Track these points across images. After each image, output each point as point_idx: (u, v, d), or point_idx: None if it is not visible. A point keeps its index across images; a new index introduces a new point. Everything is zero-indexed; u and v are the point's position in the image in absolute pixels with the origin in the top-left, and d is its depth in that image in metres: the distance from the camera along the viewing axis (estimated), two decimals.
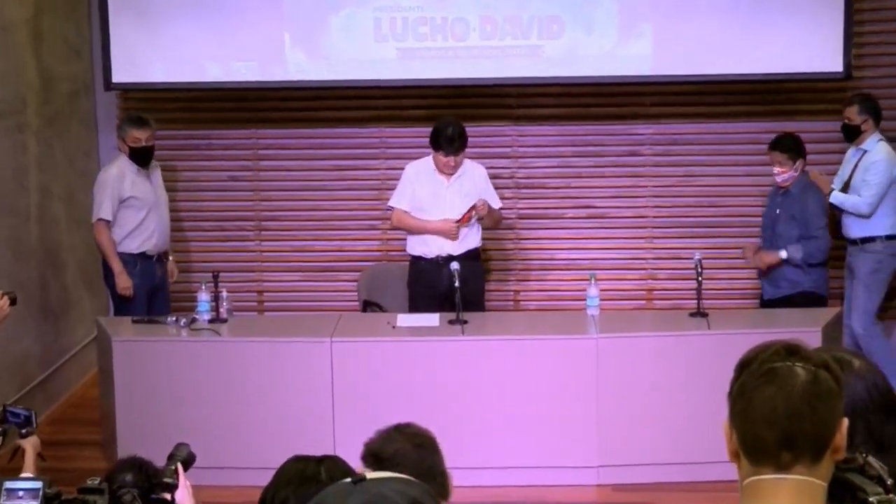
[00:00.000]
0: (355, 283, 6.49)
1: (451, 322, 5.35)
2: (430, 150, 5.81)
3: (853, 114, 5.99)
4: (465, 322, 5.30)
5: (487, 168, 6.02)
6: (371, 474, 1.32)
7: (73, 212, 6.51)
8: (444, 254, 5.75)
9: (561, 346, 5.23)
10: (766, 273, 5.88)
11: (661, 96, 6.78)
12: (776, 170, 5.76)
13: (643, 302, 6.90)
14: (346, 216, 6.98)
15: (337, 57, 6.48)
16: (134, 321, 5.56)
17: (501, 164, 6.81)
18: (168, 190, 6.35)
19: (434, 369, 5.20)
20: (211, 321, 5.44)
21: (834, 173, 6.13)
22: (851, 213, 5.93)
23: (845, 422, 1.59)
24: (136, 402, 5.24)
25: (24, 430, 3.63)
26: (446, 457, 2.41)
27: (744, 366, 1.62)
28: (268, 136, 6.97)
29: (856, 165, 5.99)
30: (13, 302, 4.14)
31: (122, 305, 6.01)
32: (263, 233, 7.03)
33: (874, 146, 5.98)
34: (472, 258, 5.82)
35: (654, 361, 5.17)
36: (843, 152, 6.17)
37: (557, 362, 5.18)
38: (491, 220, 5.91)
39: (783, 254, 5.72)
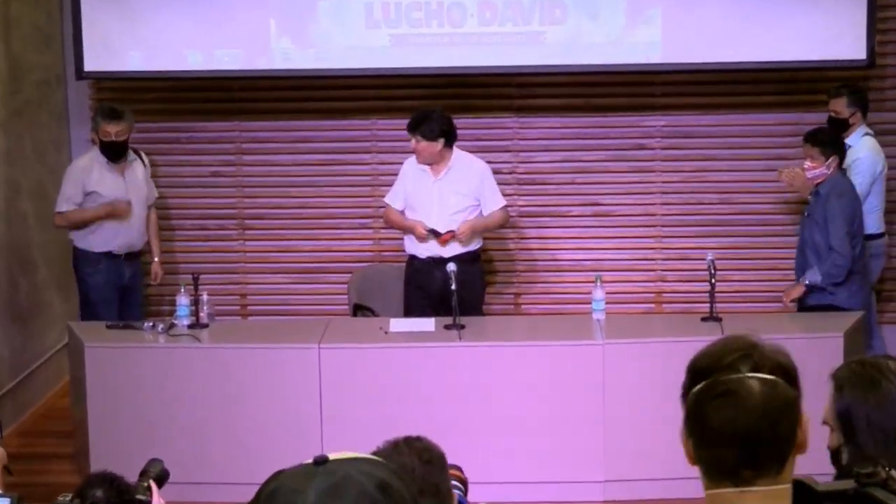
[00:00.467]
0: (345, 286, 6.48)
1: (447, 327, 5.34)
2: None
3: (841, 106, 5.99)
4: (463, 327, 5.29)
5: (486, 163, 5.99)
6: (334, 455, 1.29)
7: (43, 208, 6.50)
8: (435, 254, 5.73)
9: (564, 352, 5.22)
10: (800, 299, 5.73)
11: (671, 86, 6.78)
12: (806, 164, 5.65)
13: (652, 305, 6.90)
14: (335, 214, 6.98)
15: (325, 44, 6.47)
16: (108, 326, 5.55)
17: (501, 158, 6.80)
18: None
19: (429, 378, 5.19)
20: (190, 326, 5.43)
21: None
22: None
23: (806, 420, 1.67)
24: (110, 412, 5.23)
25: None
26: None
27: (697, 375, 1.68)
28: (252, 129, 6.96)
29: None
30: None
31: (91, 307, 6.01)
32: (247, 232, 7.02)
33: (858, 141, 5.99)
34: (469, 260, 5.80)
35: (664, 369, 5.15)
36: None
37: (561, 370, 5.18)
38: (484, 230, 5.85)
39: (805, 282, 5.57)
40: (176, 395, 5.21)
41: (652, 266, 6.90)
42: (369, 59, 6.46)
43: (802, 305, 5.64)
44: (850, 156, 5.89)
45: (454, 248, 5.74)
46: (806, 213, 5.74)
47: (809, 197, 5.69)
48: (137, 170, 6.18)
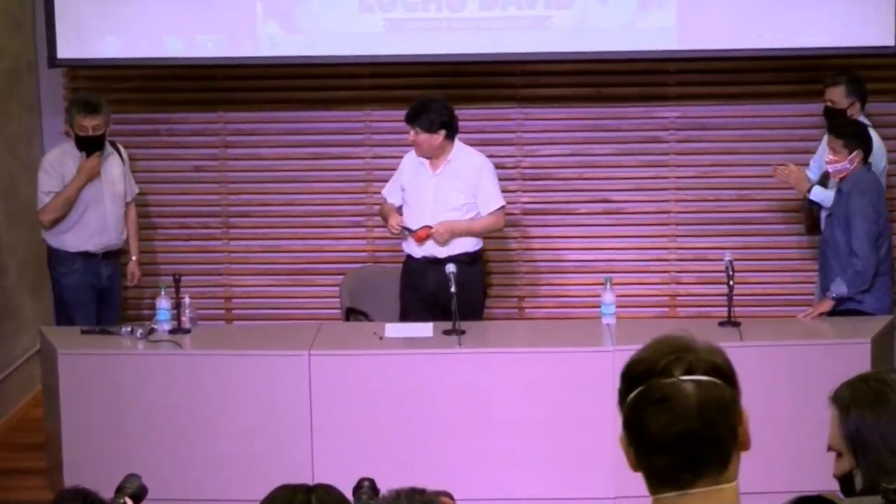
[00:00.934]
0: (337, 288, 6.48)
1: (446, 332, 5.34)
2: None
3: (839, 96, 5.99)
4: (463, 332, 5.29)
5: (487, 157, 5.98)
6: None
7: (14, 206, 6.50)
8: (430, 254, 5.72)
9: (572, 359, 5.22)
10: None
11: (686, 74, 6.78)
12: (828, 157, 5.66)
13: (666, 309, 6.90)
14: (326, 211, 6.98)
15: (316, 29, 6.47)
16: (83, 332, 5.54)
17: (504, 151, 6.80)
18: None
19: (427, 387, 5.19)
20: (171, 332, 5.43)
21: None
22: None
23: (746, 415, 1.75)
24: (86, 424, 5.22)
25: None
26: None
27: (632, 381, 1.76)
28: (237, 121, 6.96)
29: None
30: None
31: (66, 309, 6.01)
32: (232, 230, 7.02)
33: None
34: (470, 261, 5.79)
35: None
36: None
37: (568, 379, 5.17)
38: (467, 234, 5.78)
39: (832, 295, 5.52)
40: (156, 406, 5.20)
41: (665, 267, 6.91)
42: (363, 46, 6.46)
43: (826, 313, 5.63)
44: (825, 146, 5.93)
45: (451, 248, 5.73)
46: (828, 212, 5.74)
47: (836, 195, 5.68)
48: (114, 164, 6.18)
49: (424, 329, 5.46)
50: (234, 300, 7.06)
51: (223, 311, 7.05)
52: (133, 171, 6.47)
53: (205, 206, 7.02)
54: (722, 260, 5.61)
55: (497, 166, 6.01)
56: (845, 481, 2.35)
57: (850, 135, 5.60)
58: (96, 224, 6.06)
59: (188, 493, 5.11)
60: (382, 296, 6.22)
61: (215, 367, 5.25)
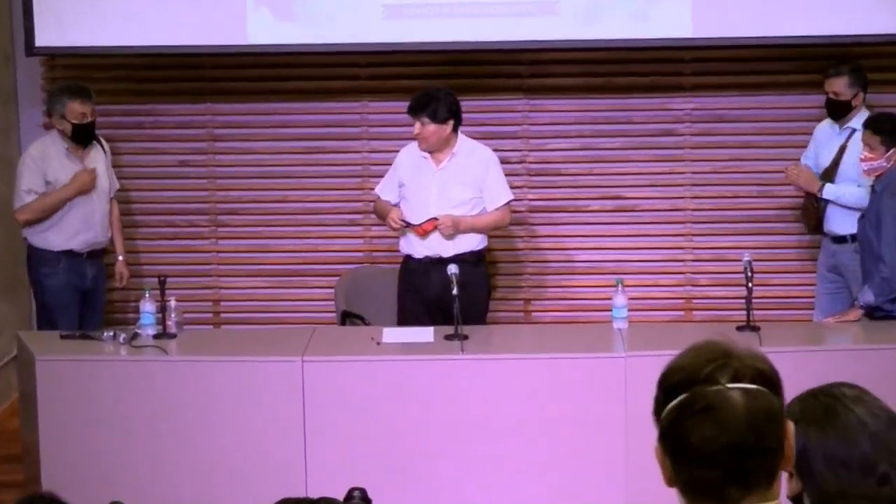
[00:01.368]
0: (332, 291, 6.49)
1: (447, 337, 5.34)
2: None
3: (842, 87, 6.01)
4: (465, 337, 5.29)
5: (493, 151, 6.00)
6: None
7: None
8: (433, 254, 5.74)
9: (581, 366, 5.22)
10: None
11: (702, 63, 6.78)
12: (862, 154, 5.66)
13: (681, 313, 6.91)
14: (320, 209, 6.98)
15: (309, 16, 6.48)
16: (63, 336, 5.55)
17: (509, 145, 6.81)
18: None
19: (427, 395, 5.19)
20: (156, 336, 5.43)
21: None
22: (850, 207, 5.94)
23: (791, 428, 1.74)
24: (65, 434, 5.23)
25: None
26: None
27: (672, 389, 1.75)
28: (225, 112, 6.97)
29: (842, 148, 6.00)
30: None
31: (48, 312, 6.02)
32: (220, 229, 7.03)
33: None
34: (471, 261, 5.80)
35: None
36: None
37: (577, 386, 5.18)
38: (471, 230, 5.83)
39: (860, 303, 5.53)
40: (139, 415, 5.20)
41: (680, 268, 6.91)
42: (359, 33, 6.46)
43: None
44: (859, 140, 5.92)
45: (455, 247, 5.74)
46: (861, 213, 5.76)
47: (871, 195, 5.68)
48: (98, 158, 6.20)
49: (424, 334, 5.46)
50: (222, 303, 7.07)
51: (211, 315, 7.05)
52: (115, 166, 6.49)
53: (191, 203, 7.02)
54: (740, 260, 5.61)
55: (502, 161, 6.02)
56: (796, 502, 2.32)
57: (888, 131, 5.59)
58: (82, 220, 6.08)
59: None
60: (380, 298, 6.22)
61: (202, 374, 5.25)
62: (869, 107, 6.12)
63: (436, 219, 5.69)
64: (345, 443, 5.11)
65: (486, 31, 6.43)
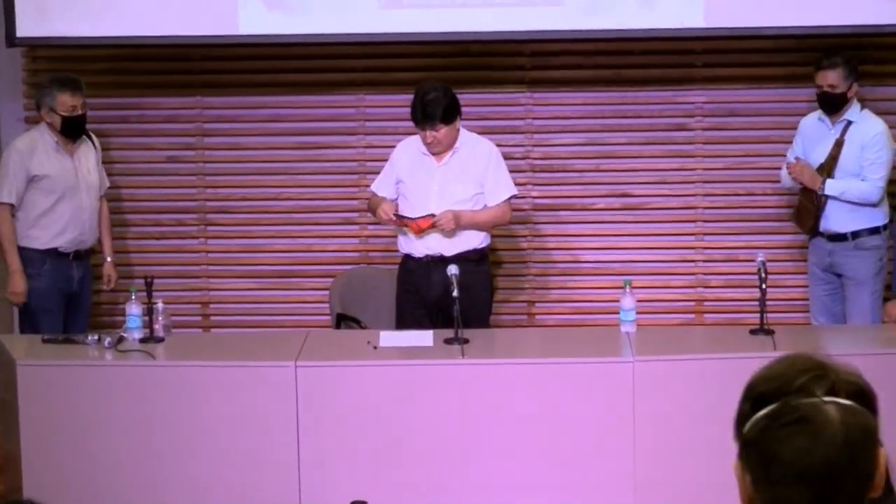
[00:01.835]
0: (326, 293, 6.49)
1: (447, 341, 5.35)
2: None
3: (838, 79, 6.01)
4: (466, 341, 5.30)
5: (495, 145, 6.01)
6: None
7: None
8: (434, 253, 5.74)
9: (587, 371, 5.22)
10: None
11: (715, 54, 6.78)
12: None
13: (692, 315, 6.91)
14: (315, 207, 6.99)
15: (302, 5, 6.48)
16: (45, 340, 5.55)
17: (512, 140, 6.81)
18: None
19: (426, 401, 5.19)
20: (143, 340, 5.44)
21: None
22: (855, 203, 5.97)
23: (883, 454, 1.66)
24: (48, 442, 5.23)
25: None
26: None
27: (760, 399, 1.67)
28: (215, 106, 6.97)
29: (839, 143, 6.01)
30: None
31: (31, 317, 6.02)
32: (210, 228, 7.03)
33: (863, 117, 6.05)
34: (474, 260, 5.81)
35: (705, 390, 5.16)
36: None
37: (583, 392, 5.18)
38: (472, 227, 5.83)
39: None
40: (125, 423, 5.21)
41: (691, 269, 6.91)
42: (355, 23, 6.46)
43: None
44: (859, 134, 5.97)
45: (458, 245, 5.75)
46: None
47: None
48: (88, 153, 6.22)
49: (423, 337, 5.47)
50: (212, 305, 7.07)
51: (200, 318, 7.06)
52: (101, 162, 6.48)
53: (180, 200, 7.02)
54: (754, 261, 5.62)
55: (504, 157, 6.02)
56: None
57: None
58: (70, 216, 6.09)
59: None
60: (377, 300, 6.22)
61: (191, 379, 5.25)
62: (861, 99, 6.13)
63: (433, 215, 5.68)
64: (340, 451, 5.11)
65: (487, 21, 6.43)
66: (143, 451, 5.20)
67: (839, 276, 6.12)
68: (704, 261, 6.90)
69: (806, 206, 6.12)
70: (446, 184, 5.75)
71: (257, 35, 6.54)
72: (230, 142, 6.98)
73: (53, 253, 6.09)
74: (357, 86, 6.92)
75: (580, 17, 6.41)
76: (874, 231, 6.04)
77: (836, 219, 6.03)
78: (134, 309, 5.49)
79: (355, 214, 6.94)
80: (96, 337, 5.46)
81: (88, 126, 6.41)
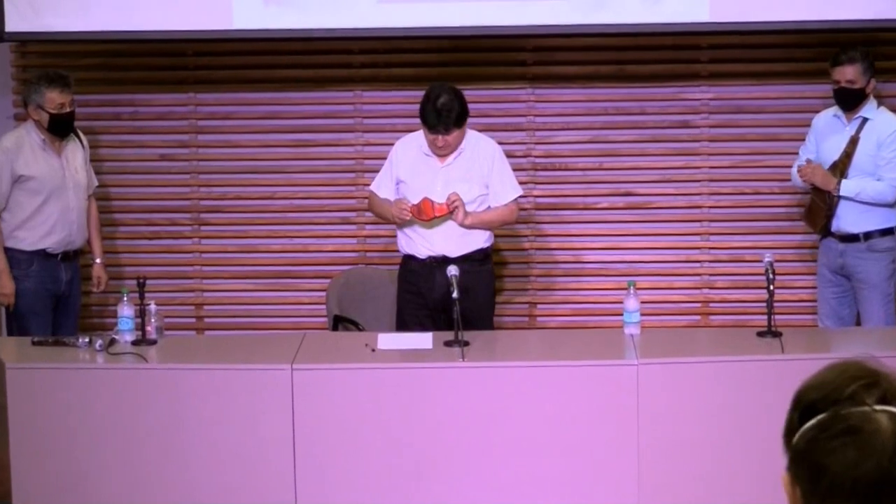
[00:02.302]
0: (324, 294, 6.49)
1: (447, 344, 5.35)
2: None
3: (856, 74, 6.01)
4: (467, 343, 5.30)
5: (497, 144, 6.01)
6: None
7: None
8: (437, 253, 5.75)
9: (590, 374, 5.22)
10: None
11: (720, 50, 6.79)
12: None
13: (697, 317, 6.91)
14: (311, 206, 6.99)
15: None
16: (35, 343, 5.55)
17: (514, 138, 6.81)
18: None
19: (426, 405, 5.19)
20: (135, 343, 5.44)
21: None
22: (869, 203, 5.98)
23: None
24: (38, 447, 5.23)
25: None
26: None
27: (810, 408, 1.64)
28: (210, 103, 6.98)
29: (854, 140, 6.03)
30: None
31: (19, 319, 6.02)
32: (203, 228, 7.03)
33: (880, 114, 6.06)
34: (476, 260, 5.82)
35: (711, 393, 5.17)
36: None
37: (586, 395, 5.18)
38: (481, 227, 5.85)
39: None
40: (117, 426, 5.21)
41: (697, 269, 6.92)
42: (353, 17, 6.46)
43: None
44: (875, 131, 5.97)
45: (462, 247, 5.75)
46: None
47: None
48: (76, 151, 6.22)
49: (423, 340, 5.47)
50: (205, 307, 7.07)
51: (194, 320, 7.06)
52: (91, 161, 6.49)
53: (172, 199, 7.02)
54: (761, 261, 5.62)
55: (505, 155, 6.03)
56: None
57: None
58: (58, 217, 6.09)
59: None
60: (375, 302, 6.22)
61: (184, 383, 5.25)
62: (876, 96, 6.14)
63: (454, 204, 5.68)
64: (337, 457, 5.11)
65: (488, 15, 6.43)
66: (135, 456, 5.20)
67: (849, 278, 6.12)
68: (710, 261, 6.91)
69: (818, 205, 6.12)
70: (450, 184, 5.75)
71: (252, 30, 6.53)
72: (224, 139, 6.98)
73: (41, 254, 6.09)
74: (354, 82, 6.92)
75: (583, 11, 6.41)
76: (887, 232, 6.04)
77: (847, 219, 6.04)
78: (126, 310, 5.49)
79: (353, 214, 6.94)
80: (87, 339, 5.45)
81: (80, 123, 6.42)
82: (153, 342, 5.47)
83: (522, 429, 5.18)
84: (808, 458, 1.61)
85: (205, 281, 7.06)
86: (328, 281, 6.58)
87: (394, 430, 5.16)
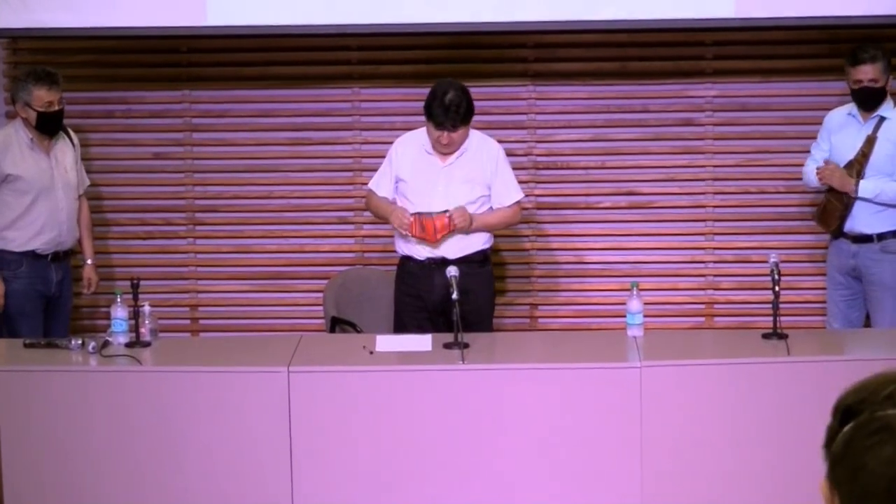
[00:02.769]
0: (321, 295, 6.50)
1: (447, 346, 5.35)
2: (423, 120, 5.81)
3: (878, 72, 6.00)
4: (467, 346, 5.30)
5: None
6: None
7: None
8: (436, 255, 5.76)
9: (593, 377, 5.23)
10: None
11: (725, 46, 6.80)
12: None
13: (701, 319, 6.92)
14: (307, 206, 6.99)
15: None
16: (26, 345, 5.55)
17: (514, 136, 6.82)
18: None
19: (425, 408, 5.20)
20: (129, 345, 5.44)
21: None
22: (888, 205, 5.99)
23: None
24: (29, 452, 5.23)
25: None
26: None
27: (847, 413, 1.65)
28: (204, 100, 6.98)
29: (871, 139, 6.03)
30: None
31: (9, 321, 6.02)
32: (198, 228, 7.03)
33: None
34: (476, 262, 5.82)
35: (716, 396, 5.17)
36: None
37: (589, 398, 5.18)
38: (484, 229, 5.86)
39: None
40: (111, 430, 5.21)
41: (701, 270, 6.92)
42: (351, 14, 6.47)
43: None
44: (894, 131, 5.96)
45: (462, 248, 5.75)
46: None
47: None
48: (66, 150, 6.21)
49: (422, 342, 5.47)
50: (200, 308, 7.08)
51: (188, 322, 7.06)
52: (83, 159, 6.49)
53: (167, 199, 7.03)
54: (766, 262, 5.62)
55: (506, 153, 6.03)
56: None
57: None
58: (47, 217, 6.09)
59: None
60: (373, 303, 6.23)
61: (179, 385, 5.25)
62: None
63: (447, 212, 5.68)
64: (334, 462, 5.11)
65: (488, 10, 6.43)
66: (129, 461, 5.21)
67: (860, 280, 6.13)
68: (715, 262, 6.91)
69: (834, 206, 6.11)
70: (452, 185, 5.75)
71: (249, 26, 6.53)
72: (219, 138, 6.98)
73: (31, 255, 6.09)
74: (352, 79, 6.92)
75: (585, 7, 6.41)
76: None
77: (861, 220, 6.04)
78: (119, 312, 5.49)
79: (350, 213, 6.94)
80: (80, 341, 5.45)
81: (71, 121, 6.42)
82: (147, 344, 5.47)
83: (524, 433, 5.19)
84: (845, 461, 1.62)
85: (200, 282, 7.06)
86: (325, 282, 6.58)
87: (392, 435, 5.16)
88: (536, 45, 6.85)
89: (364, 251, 6.97)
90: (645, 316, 5.57)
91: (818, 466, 1.93)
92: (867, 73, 5.99)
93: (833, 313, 6.25)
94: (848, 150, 6.06)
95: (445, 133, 5.68)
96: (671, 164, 6.86)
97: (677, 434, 5.17)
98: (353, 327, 6.07)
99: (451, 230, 5.71)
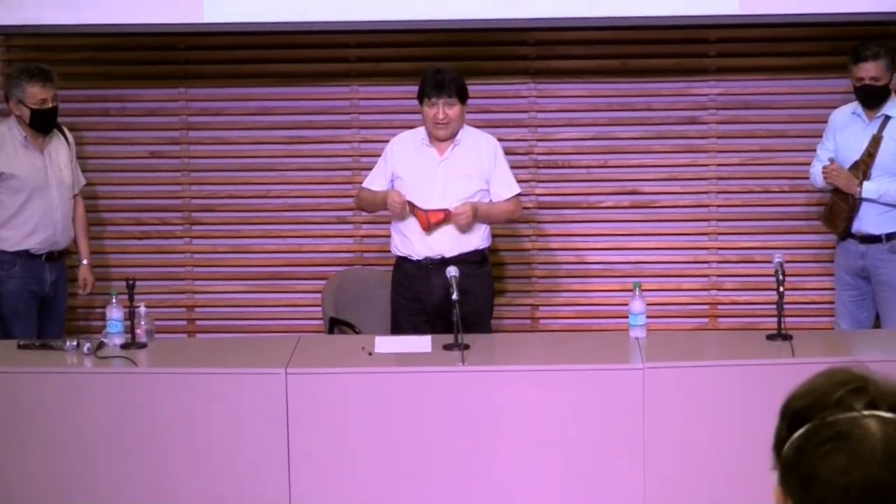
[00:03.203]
0: (319, 296, 6.50)
1: (447, 347, 5.36)
2: (419, 119, 5.82)
3: (881, 70, 6.00)
4: (467, 347, 5.30)
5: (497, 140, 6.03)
6: None
7: None
8: (434, 254, 5.76)
9: (595, 378, 5.23)
10: None
11: (729, 44, 6.79)
12: None
13: (705, 320, 6.92)
14: (305, 205, 6.99)
15: None
16: (21, 346, 5.56)
17: (514, 134, 6.82)
18: None
19: (424, 410, 5.20)
20: (124, 346, 5.44)
21: None
22: (893, 205, 6.00)
23: None
24: (23, 454, 5.23)
25: None
26: None
27: (797, 417, 1.64)
28: (201, 98, 6.98)
29: (876, 139, 6.03)
30: None
31: (2, 322, 6.02)
32: (195, 227, 7.04)
33: None
34: (475, 261, 5.83)
35: (719, 398, 5.17)
36: None
37: (591, 400, 5.19)
38: (486, 220, 5.89)
39: None
40: (107, 432, 5.21)
41: (704, 270, 6.92)
42: (349, 10, 6.47)
43: None
44: None
45: (460, 245, 5.76)
46: None
47: None
48: (60, 149, 6.22)
49: (421, 343, 5.47)
50: (197, 309, 7.08)
51: (185, 322, 7.06)
52: (78, 158, 6.49)
53: (163, 198, 7.03)
54: (770, 262, 5.62)
55: (506, 152, 6.04)
56: None
57: None
58: (40, 216, 6.09)
59: None
60: (372, 304, 6.23)
61: (175, 387, 5.26)
62: None
63: (447, 210, 5.69)
64: (333, 464, 5.12)
65: (488, 7, 6.43)
66: (124, 464, 5.21)
67: (868, 280, 6.13)
68: (718, 262, 6.92)
69: (840, 207, 6.11)
70: (450, 179, 5.76)
71: (246, 23, 6.53)
72: (216, 136, 6.98)
73: (24, 254, 6.09)
74: (350, 77, 6.93)
75: (587, 3, 6.41)
76: None
77: (869, 220, 6.04)
78: (115, 313, 5.49)
79: (349, 213, 6.94)
80: (75, 343, 5.45)
81: (66, 119, 6.42)
82: (143, 345, 5.47)
83: (525, 435, 5.19)
84: (797, 470, 1.61)
85: (196, 282, 7.06)
86: (324, 282, 6.59)
87: (391, 437, 5.17)
88: (537, 43, 6.85)
89: (363, 251, 6.97)
90: (647, 317, 5.58)
91: None
92: (869, 70, 5.99)
93: (841, 314, 6.26)
94: (852, 149, 6.06)
95: (441, 108, 5.68)
96: (674, 163, 6.86)
97: (680, 436, 5.18)
98: (351, 328, 6.08)
99: (443, 217, 5.71)
